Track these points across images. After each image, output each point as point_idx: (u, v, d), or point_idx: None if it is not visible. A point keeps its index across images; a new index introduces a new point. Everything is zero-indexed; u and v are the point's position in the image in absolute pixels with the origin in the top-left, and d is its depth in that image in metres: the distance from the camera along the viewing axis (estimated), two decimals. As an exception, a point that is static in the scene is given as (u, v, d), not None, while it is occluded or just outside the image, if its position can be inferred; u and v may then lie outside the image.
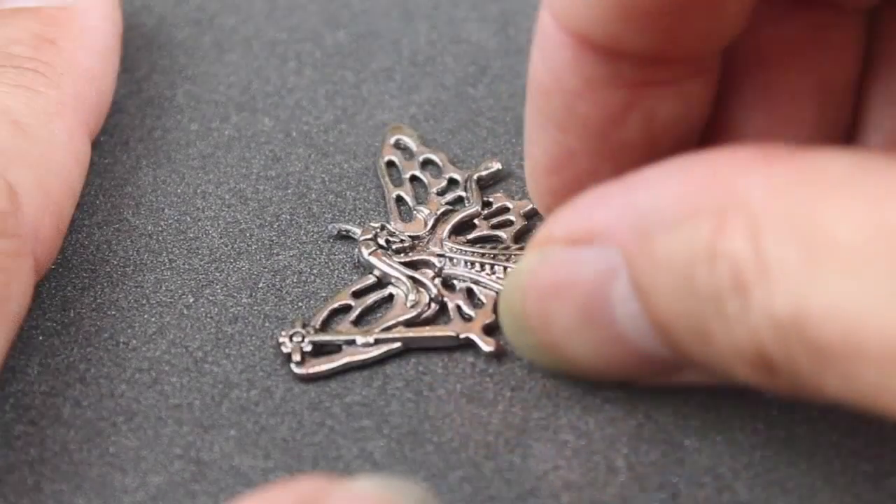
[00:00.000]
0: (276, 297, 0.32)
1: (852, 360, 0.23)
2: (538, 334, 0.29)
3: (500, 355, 0.31)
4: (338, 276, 0.33)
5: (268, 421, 0.30)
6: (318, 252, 0.33)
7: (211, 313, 0.32)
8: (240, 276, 0.32)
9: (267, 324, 0.31)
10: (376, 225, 0.33)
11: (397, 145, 0.35)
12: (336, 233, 0.33)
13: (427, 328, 0.31)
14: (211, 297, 0.32)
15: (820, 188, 0.24)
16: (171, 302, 0.32)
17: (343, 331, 0.31)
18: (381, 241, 0.33)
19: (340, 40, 0.38)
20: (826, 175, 0.24)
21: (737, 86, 0.29)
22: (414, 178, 0.35)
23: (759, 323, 0.24)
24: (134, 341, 0.31)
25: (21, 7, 0.34)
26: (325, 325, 0.31)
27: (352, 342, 0.31)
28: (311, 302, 0.32)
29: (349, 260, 0.33)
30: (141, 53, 0.38)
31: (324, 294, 0.32)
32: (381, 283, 0.32)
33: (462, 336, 0.31)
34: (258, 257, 0.33)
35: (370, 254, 0.33)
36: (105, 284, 0.32)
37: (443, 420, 0.30)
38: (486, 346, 0.31)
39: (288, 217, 0.34)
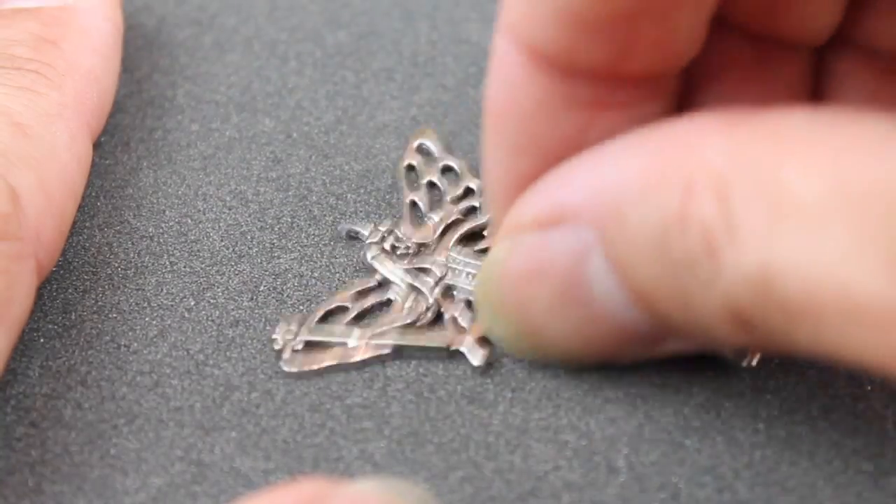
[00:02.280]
0: (276, 301, 0.32)
1: (815, 316, 0.23)
2: (517, 322, 0.29)
3: (489, 367, 0.31)
4: (339, 279, 0.32)
5: (269, 423, 0.30)
6: (319, 255, 0.33)
7: (212, 316, 0.32)
8: (241, 278, 0.32)
9: (268, 327, 0.31)
10: (384, 228, 0.33)
11: (420, 149, 0.35)
12: (345, 233, 0.33)
13: (419, 336, 0.31)
14: (212, 300, 0.32)
15: (781, 145, 0.24)
16: (172, 305, 0.32)
17: (337, 331, 0.31)
18: (387, 246, 0.33)
19: (341, 40, 0.38)
20: (787, 132, 0.24)
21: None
22: (432, 185, 0.34)
23: (733, 283, 0.24)
24: (135, 344, 0.31)
25: (21, 7, 0.34)
26: (322, 323, 0.31)
27: (343, 343, 0.31)
28: (312, 305, 0.32)
29: (350, 263, 0.33)
30: (141, 53, 0.38)
31: (325, 297, 0.32)
32: (383, 286, 0.32)
33: (452, 347, 0.31)
34: (259, 260, 0.33)
35: (373, 257, 0.33)
36: (106, 287, 0.32)
37: (443, 421, 0.30)
38: (476, 358, 0.31)
39: (289, 220, 0.34)
